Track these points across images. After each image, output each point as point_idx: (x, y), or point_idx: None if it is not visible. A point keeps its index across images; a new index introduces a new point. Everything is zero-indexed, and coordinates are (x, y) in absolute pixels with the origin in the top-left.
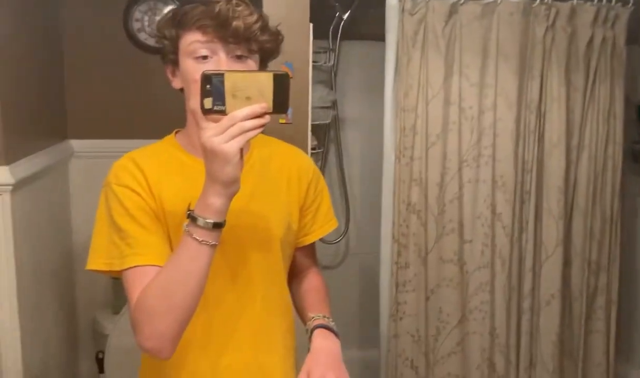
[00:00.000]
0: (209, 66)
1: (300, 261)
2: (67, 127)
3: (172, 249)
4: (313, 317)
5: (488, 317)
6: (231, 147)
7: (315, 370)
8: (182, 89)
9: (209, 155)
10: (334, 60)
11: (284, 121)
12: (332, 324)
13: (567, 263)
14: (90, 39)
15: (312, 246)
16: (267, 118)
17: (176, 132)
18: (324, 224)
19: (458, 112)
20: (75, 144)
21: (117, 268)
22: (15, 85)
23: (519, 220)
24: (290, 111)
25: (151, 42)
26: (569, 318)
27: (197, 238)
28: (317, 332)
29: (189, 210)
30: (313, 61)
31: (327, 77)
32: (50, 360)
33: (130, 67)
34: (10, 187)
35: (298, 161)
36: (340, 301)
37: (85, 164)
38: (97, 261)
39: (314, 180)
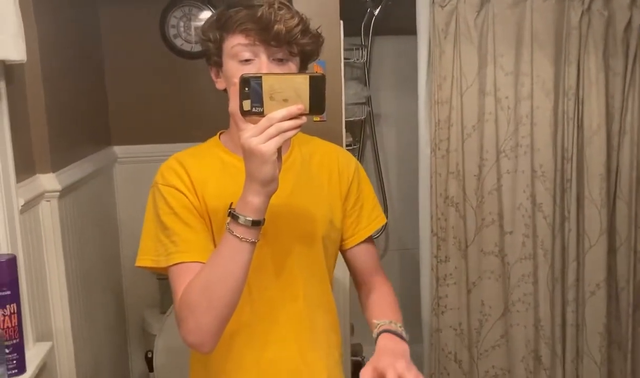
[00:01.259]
0: (251, 69)
1: (360, 267)
2: (111, 133)
3: (215, 247)
4: (378, 324)
5: (532, 309)
6: (268, 147)
7: (382, 361)
8: (225, 90)
9: (248, 155)
10: (367, 56)
11: (318, 119)
12: (399, 328)
13: (611, 251)
14: (129, 47)
15: (369, 250)
16: (303, 119)
17: (220, 134)
18: (369, 223)
19: (494, 102)
20: (119, 150)
21: (163, 265)
22: (59, 94)
23: (561, 209)
24: None
25: (187, 47)
26: (615, 309)
27: (238, 235)
28: (382, 335)
29: (230, 208)
30: (345, 58)
31: (361, 74)
32: (102, 361)
33: (168, 73)
34: (58, 193)
35: (339, 159)
36: None
37: (129, 169)
38: (145, 257)
39: (356, 178)
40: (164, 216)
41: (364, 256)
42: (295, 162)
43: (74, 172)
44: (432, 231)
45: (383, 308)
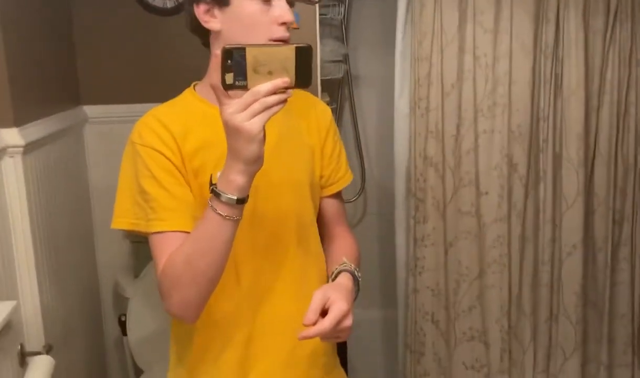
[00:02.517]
0: (274, 11)
1: (329, 217)
2: (80, 92)
3: (204, 203)
4: (343, 263)
5: (506, 270)
6: (254, 124)
7: (335, 295)
8: (206, 34)
9: (232, 132)
10: (344, 13)
11: None
12: (357, 272)
13: (589, 213)
14: (99, 2)
15: (339, 201)
16: (289, 93)
17: (194, 85)
18: (345, 173)
19: (472, 60)
20: (89, 110)
21: (143, 230)
22: (23, 48)
23: (535, 170)
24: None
25: (160, 3)
26: (592, 269)
27: (221, 212)
28: (343, 273)
29: (211, 185)
30: (322, 14)
31: (338, 32)
32: (73, 323)
33: (139, 31)
34: (21, 149)
35: (315, 107)
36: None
37: (100, 130)
38: (122, 220)
39: (332, 126)
40: (142, 179)
41: (335, 206)
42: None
43: (39, 128)
44: (410, 191)
45: (345, 253)
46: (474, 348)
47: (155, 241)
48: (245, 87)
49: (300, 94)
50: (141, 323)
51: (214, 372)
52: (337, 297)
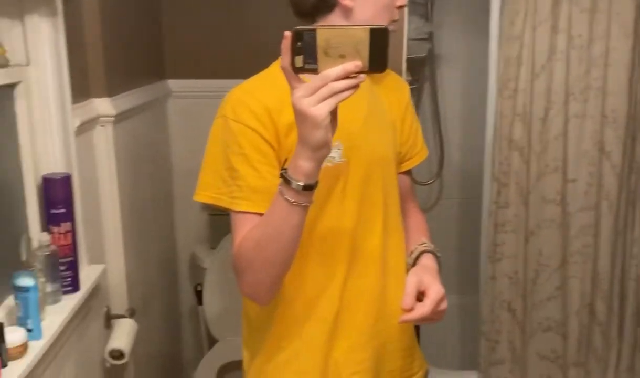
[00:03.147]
0: None
1: (402, 194)
2: (165, 66)
3: None
4: (423, 243)
5: (590, 261)
6: (320, 110)
7: (426, 278)
8: (326, 9)
9: (299, 117)
10: None
11: None
12: (436, 251)
13: None
14: None
15: (411, 177)
16: (361, 77)
17: None
18: (421, 149)
19: (566, 40)
20: (173, 84)
21: (225, 205)
22: (115, 19)
23: (630, 159)
24: None
25: None
26: None
27: (288, 198)
28: (426, 254)
29: (282, 168)
30: None
31: (423, 9)
32: (152, 290)
33: (226, 5)
34: (112, 119)
35: (394, 81)
36: None
37: (183, 104)
38: (205, 193)
39: (410, 101)
40: (232, 156)
41: (408, 181)
42: (364, 83)
43: (128, 99)
44: (493, 176)
45: (421, 232)
46: (550, 339)
47: (236, 218)
48: (315, 71)
49: None
50: (217, 293)
51: (299, 346)
52: (431, 280)
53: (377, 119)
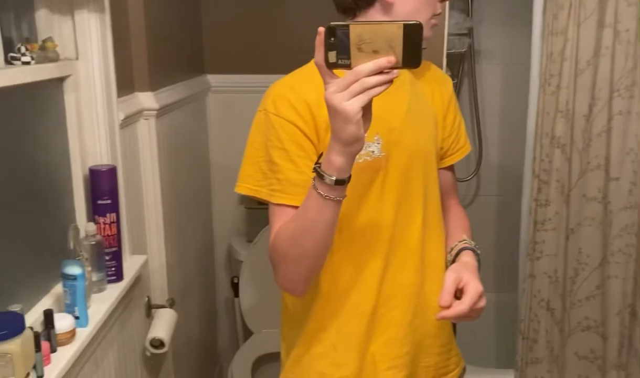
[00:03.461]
0: None
1: (443, 190)
2: (204, 61)
3: None
4: (463, 240)
5: (632, 261)
6: (352, 105)
7: (466, 275)
8: (366, 5)
9: (331, 112)
10: None
11: None
12: (476, 248)
13: None
14: None
15: (453, 173)
16: (394, 73)
17: None
18: (464, 144)
19: (612, 35)
20: (212, 78)
21: (264, 198)
22: (159, 17)
23: None
24: None
25: None
26: None
27: (322, 193)
28: (466, 251)
29: (316, 163)
30: None
31: (464, 4)
32: (190, 282)
33: (265, 1)
34: (155, 112)
35: (438, 75)
36: None
37: (221, 99)
38: (245, 186)
39: (454, 96)
40: (272, 149)
41: (451, 177)
42: (406, 77)
43: (169, 94)
44: (533, 173)
45: (461, 228)
46: (589, 339)
47: (274, 211)
48: (348, 66)
49: (424, 62)
50: (253, 286)
51: (336, 341)
52: (470, 277)
53: (419, 113)
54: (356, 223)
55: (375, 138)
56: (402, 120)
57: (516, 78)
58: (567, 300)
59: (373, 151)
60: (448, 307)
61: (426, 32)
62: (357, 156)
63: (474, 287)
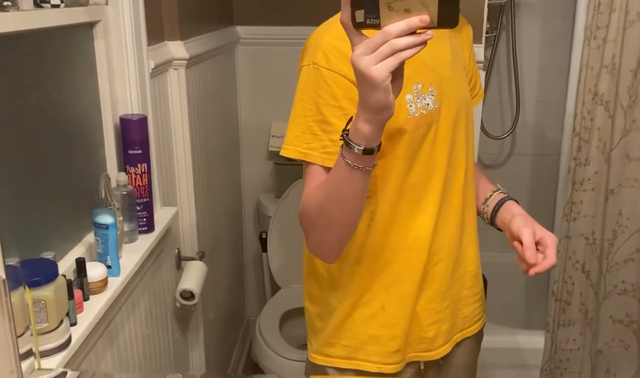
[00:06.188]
0: None
1: None
2: (234, 12)
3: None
4: (498, 189)
5: None
6: (379, 70)
7: (537, 227)
8: None
9: (358, 76)
10: None
11: None
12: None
13: None
14: None
15: None
16: (429, 34)
17: None
18: (479, 91)
19: None
20: (241, 30)
21: (317, 162)
22: None
23: None
24: None
25: None
26: None
27: (349, 161)
28: (510, 202)
29: (344, 130)
30: None
31: None
32: (219, 236)
33: None
34: (185, 62)
35: (462, 21)
36: None
37: (251, 51)
38: (294, 148)
39: (472, 41)
40: (324, 107)
41: None
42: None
43: (199, 44)
44: (574, 130)
45: (481, 174)
46: (624, 303)
47: (315, 171)
48: (377, 26)
49: None
50: (281, 242)
51: (385, 302)
52: (541, 229)
53: (458, 61)
54: (409, 179)
55: (430, 89)
56: (449, 70)
57: (557, 32)
58: (604, 263)
59: (428, 104)
60: (535, 264)
61: None
62: (414, 110)
63: (551, 238)
